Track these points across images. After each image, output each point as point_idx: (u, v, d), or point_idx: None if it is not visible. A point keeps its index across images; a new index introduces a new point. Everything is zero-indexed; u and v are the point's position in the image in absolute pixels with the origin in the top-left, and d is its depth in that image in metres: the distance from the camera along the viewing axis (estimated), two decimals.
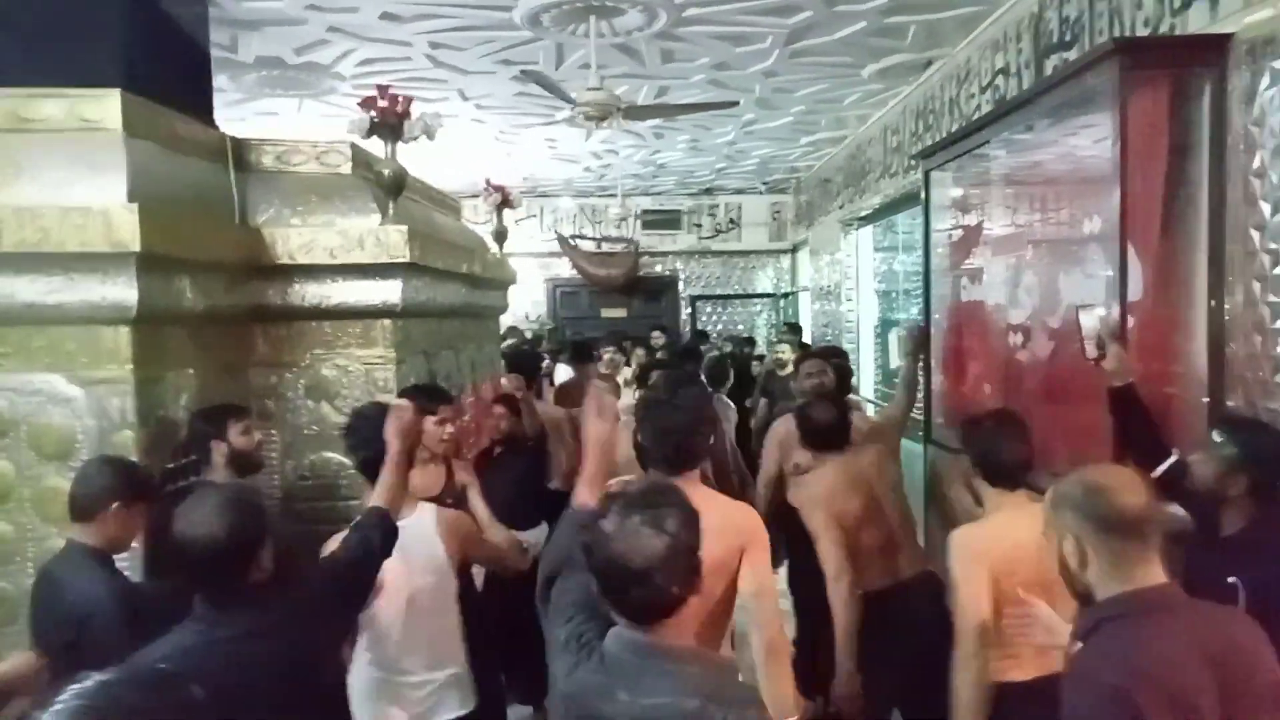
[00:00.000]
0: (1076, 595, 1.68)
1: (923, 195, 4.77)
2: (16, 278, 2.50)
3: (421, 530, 2.56)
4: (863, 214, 7.71)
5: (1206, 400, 2.79)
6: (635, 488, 1.55)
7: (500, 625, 3.17)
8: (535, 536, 3.76)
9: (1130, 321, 2.82)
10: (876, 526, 3.13)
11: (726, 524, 2.15)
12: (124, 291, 2.52)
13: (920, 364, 4.10)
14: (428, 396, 2.99)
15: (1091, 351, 2.58)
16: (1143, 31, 3.21)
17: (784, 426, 3.82)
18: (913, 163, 5.70)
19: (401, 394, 3.10)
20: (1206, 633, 1.55)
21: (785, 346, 6.37)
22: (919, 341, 4.11)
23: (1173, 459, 2.47)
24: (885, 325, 7.75)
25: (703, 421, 2.32)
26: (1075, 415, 3.17)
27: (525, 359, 5.12)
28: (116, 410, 2.60)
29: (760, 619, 2.20)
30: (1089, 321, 2.59)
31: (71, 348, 2.58)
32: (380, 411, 2.46)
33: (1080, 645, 1.64)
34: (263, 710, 1.61)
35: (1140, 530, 1.59)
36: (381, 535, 2.15)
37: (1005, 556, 2.33)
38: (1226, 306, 2.73)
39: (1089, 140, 3.10)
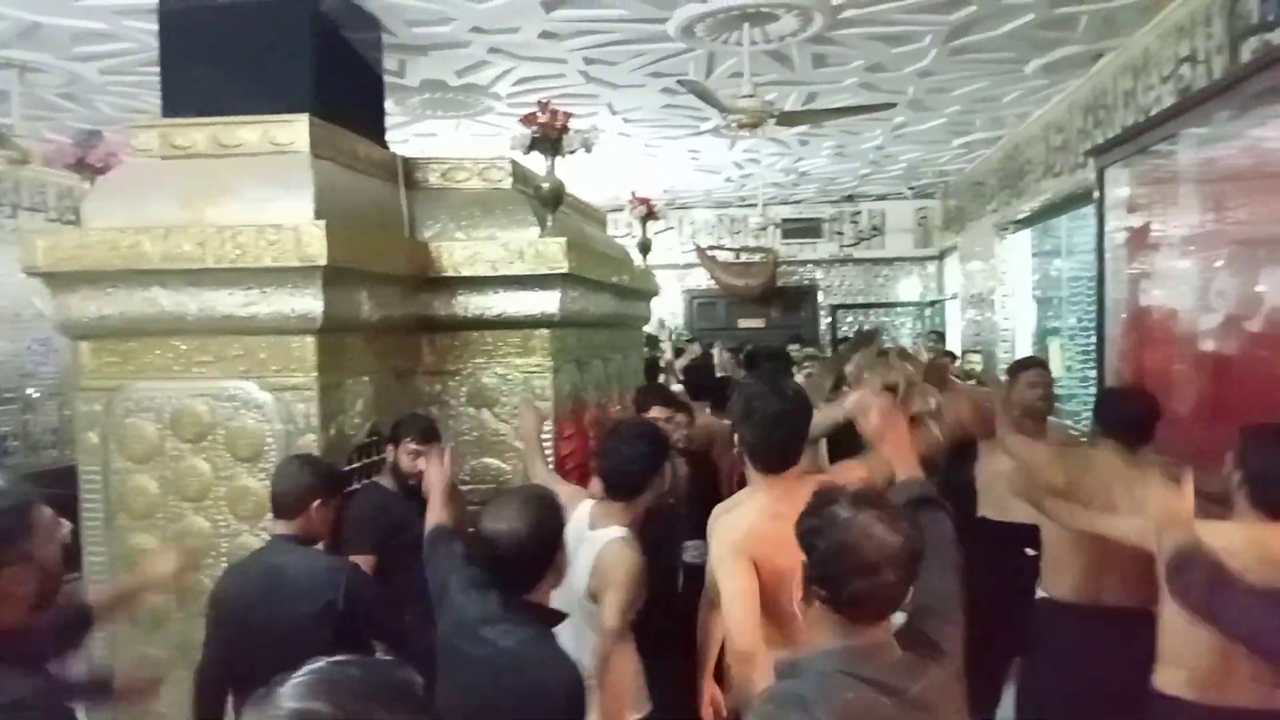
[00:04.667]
0: None
1: (1095, 194, 4.49)
2: (217, 291, 2.70)
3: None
4: (1020, 217, 7.32)
5: None
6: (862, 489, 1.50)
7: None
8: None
9: None
10: None
11: None
12: (311, 303, 2.68)
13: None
14: (662, 400, 3.33)
15: None
16: None
17: None
18: (1081, 161, 5.35)
19: (640, 398, 3.40)
20: None
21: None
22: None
23: None
24: (1043, 333, 7.34)
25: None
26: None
27: (703, 376, 5.00)
28: (302, 415, 2.76)
29: None
30: None
31: (263, 356, 2.76)
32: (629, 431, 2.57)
33: None
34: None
35: None
36: None
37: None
38: None
39: None
